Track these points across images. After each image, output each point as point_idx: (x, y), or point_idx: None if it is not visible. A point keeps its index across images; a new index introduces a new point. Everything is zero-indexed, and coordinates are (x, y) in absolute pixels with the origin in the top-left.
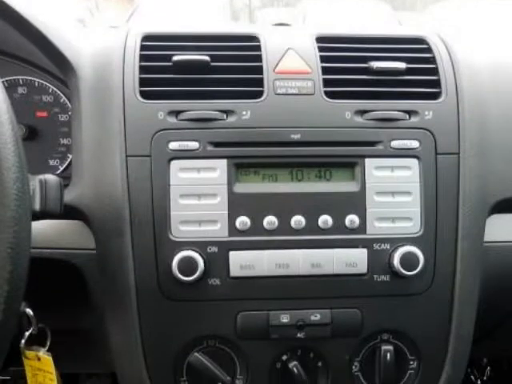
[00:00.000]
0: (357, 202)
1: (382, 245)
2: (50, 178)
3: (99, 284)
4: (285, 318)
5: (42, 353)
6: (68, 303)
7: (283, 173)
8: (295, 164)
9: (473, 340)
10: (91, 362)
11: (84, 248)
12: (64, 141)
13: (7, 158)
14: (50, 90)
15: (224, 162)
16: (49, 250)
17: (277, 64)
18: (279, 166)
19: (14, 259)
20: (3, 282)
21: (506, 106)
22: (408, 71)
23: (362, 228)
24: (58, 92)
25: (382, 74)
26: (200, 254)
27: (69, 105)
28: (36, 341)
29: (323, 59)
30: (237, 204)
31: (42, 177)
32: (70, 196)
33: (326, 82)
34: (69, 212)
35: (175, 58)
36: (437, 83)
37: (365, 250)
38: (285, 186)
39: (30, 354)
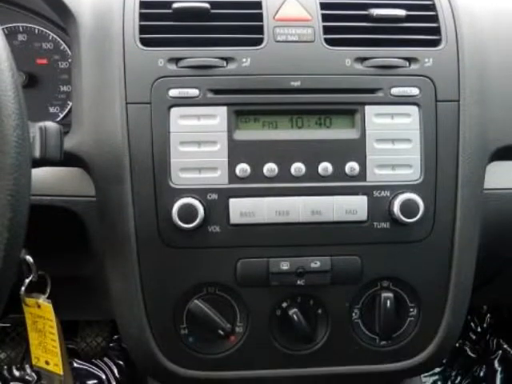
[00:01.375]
0: (357, 150)
1: (382, 192)
2: (50, 125)
3: (99, 231)
4: (285, 265)
5: (42, 300)
6: (68, 250)
7: (283, 120)
8: (295, 111)
9: (472, 287)
10: (91, 309)
11: (84, 195)
12: (64, 88)
13: (7, 105)
14: (50, 37)
15: (224, 109)
16: (49, 197)
17: (277, 11)
18: (279, 113)
19: (14, 206)
20: (3, 229)
21: (506, 53)
22: (408, 18)
23: (361, 175)
24: (58, 39)
25: (382, 21)
26: (200, 202)
27: (69, 52)
28: (36, 288)
29: (323, 6)
30: (237, 151)
31: (41, 124)
32: (69, 143)
33: (326, 30)
34: (69, 159)
35: (175, 5)
36: (437, 30)
37: (365, 197)
38: (285, 133)
39: (29, 301)
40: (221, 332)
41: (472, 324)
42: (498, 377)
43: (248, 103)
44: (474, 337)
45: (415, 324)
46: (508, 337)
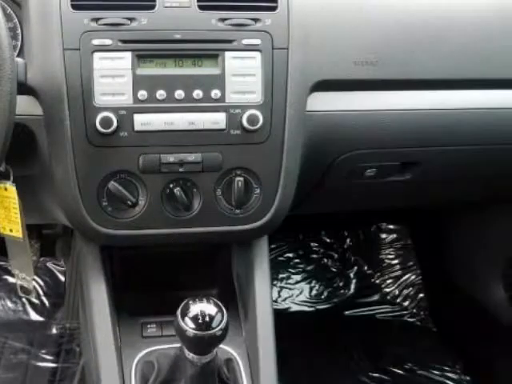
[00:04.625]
0: (219, 81)
1: (236, 110)
2: (21, 60)
3: (46, 140)
4: (171, 158)
5: (9, 184)
6: (22, 155)
7: (169, 61)
8: (177, 55)
9: (299, 202)
10: (35, 211)
11: (35, 114)
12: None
13: (4, 38)
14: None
15: (129, 53)
16: (16, 117)
17: None
18: (167, 56)
19: (9, 122)
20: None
21: (323, 17)
22: None
23: (222, 98)
24: (5, 5)
25: None
26: (114, 115)
27: (13, 15)
28: (1, 178)
29: None
30: (138, 82)
31: (19, 59)
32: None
33: None
34: (24, 90)
35: None
36: (274, 1)
37: (224, 114)
38: (171, 70)
39: (0, 186)
40: (129, 203)
41: (334, 245)
42: (353, 286)
43: (145, 49)
44: (335, 255)
45: (258, 199)
46: (363, 255)
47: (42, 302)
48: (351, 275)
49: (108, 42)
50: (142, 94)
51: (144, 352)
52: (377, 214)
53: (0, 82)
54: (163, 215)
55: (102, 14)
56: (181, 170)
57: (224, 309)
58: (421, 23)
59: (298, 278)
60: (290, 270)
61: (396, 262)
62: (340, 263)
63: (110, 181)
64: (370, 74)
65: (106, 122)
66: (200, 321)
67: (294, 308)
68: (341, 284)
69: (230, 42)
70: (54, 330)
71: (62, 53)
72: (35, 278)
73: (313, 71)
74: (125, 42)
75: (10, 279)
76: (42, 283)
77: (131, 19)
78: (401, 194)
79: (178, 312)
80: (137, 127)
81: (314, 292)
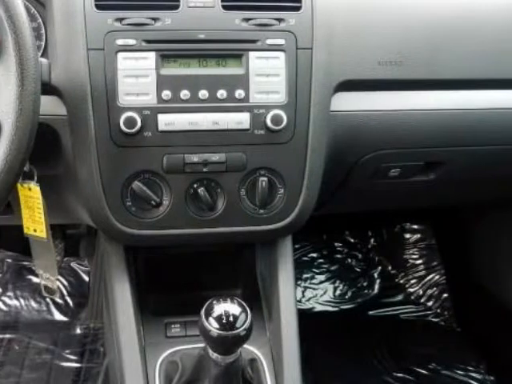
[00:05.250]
0: (243, 81)
1: (260, 110)
2: (45, 60)
3: (70, 140)
4: (195, 158)
5: (33, 184)
6: (49, 156)
7: (194, 61)
8: (202, 55)
9: (321, 202)
10: (59, 212)
11: (59, 115)
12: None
13: (29, 38)
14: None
15: (153, 53)
16: (40, 117)
17: None
18: (191, 56)
19: (33, 122)
20: (26, 139)
21: (347, 17)
22: None
23: (246, 99)
24: (29, 5)
25: None
26: (138, 115)
27: (37, 15)
28: (25, 178)
29: None
30: (162, 82)
31: (43, 59)
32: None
33: None
34: (48, 90)
35: None
36: (298, 1)
37: (248, 114)
38: (195, 70)
39: (23, 186)
40: (153, 203)
41: (358, 245)
42: (376, 286)
43: (169, 49)
44: (359, 255)
45: (282, 199)
46: (387, 255)
47: (66, 302)
48: (375, 275)
49: (132, 42)
50: (166, 93)
51: (168, 352)
52: (401, 213)
53: (24, 82)
54: (187, 215)
55: (125, 13)
56: (205, 169)
57: (248, 309)
58: (445, 23)
59: (322, 277)
60: (314, 269)
61: (420, 261)
62: (364, 263)
63: (134, 181)
64: (394, 74)
65: (130, 122)
66: (224, 321)
67: (318, 308)
68: (365, 284)
69: (253, 41)
70: (78, 330)
71: (85, 53)
72: (59, 278)
73: (337, 71)
74: (149, 41)
75: (34, 279)
76: (66, 283)
77: (155, 19)
78: (425, 193)
79: (202, 312)
80: (161, 127)
81: (337, 292)
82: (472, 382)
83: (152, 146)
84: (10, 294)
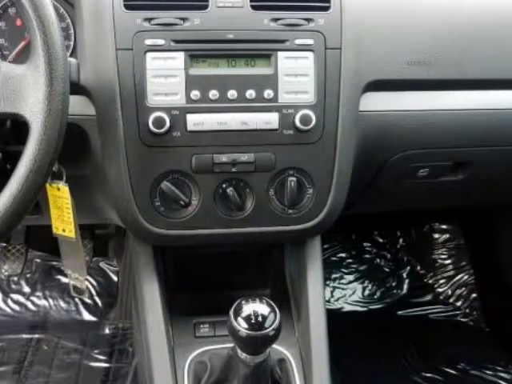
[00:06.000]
0: (272, 81)
1: (288, 110)
2: (74, 60)
3: (98, 140)
4: (224, 158)
5: (62, 184)
6: (77, 156)
7: (222, 61)
8: (230, 55)
9: (351, 202)
10: (88, 212)
11: (88, 115)
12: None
13: (59, 39)
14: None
15: (182, 53)
16: (69, 117)
17: None
18: (220, 56)
19: (62, 122)
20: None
21: (377, 19)
22: None
23: (275, 98)
24: (57, 4)
25: None
26: (167, 115)
27: (66, 15)
28: (54, 178)
29: None
30: (190, 82)
31: (72, 59)
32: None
33: None
34: (76, 90)
35: None
36: (327, 1)
37: (277, 114)
38: (224, 70)
39: (52, 186)
40: (182, 203)
41: (387, 245)
42: (405, 286)
43: (198, 49)
44: (388, 255)
45: (311, 199)
46: (416, 255)
47: (94, 302)
48: (404, 275)
49: (161, 42)
50: (195, 93)
51: (197, 352)
52: (429, 213)
53: (53, 82)
54: (216, 215)
55: (154, 13)
56: (233, 169)
57: (277, 309)
58: (473, 23)
59: (350, 277)
60: (343, 269)
61: (449, 261)
62: (393, 263)
63: (162, 181)
64: (422, 74)
65: (159, 122)
66: (253, 321)
67: (347, 308)
68: (393, 284)
69: (282, 41)
70: (107, 330)
71: (114, 53)
72: (88, 278)
73: (365, 71)
74: (177, 41)
75: (63, 279)
76: (94, 283)
77: (184, 19)
78: (453, 193)
79: (231, 312)
80: (189, 127)
81: (366, 292)
82: (501, 381)
83: (181, 146)
84: (38, 294)
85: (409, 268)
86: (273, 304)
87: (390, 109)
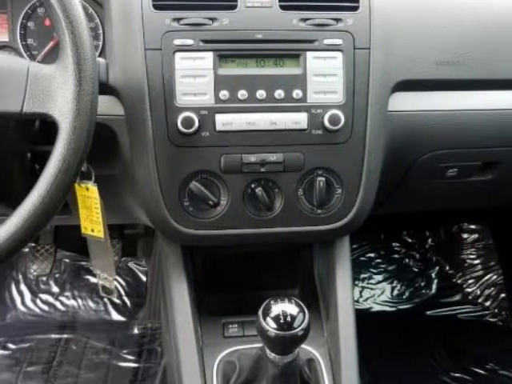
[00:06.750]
0: (300, 81)
1: (317, 110)
2: (102, 60)
3: (127, 140)
4: (252, 158)
5: (90, 184)
6: (106, 156)
7: (251, 61)
8: (259, 55)
9: (379, 202)
10: (116, 212)
11: (116, 114)
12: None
13: (88, 39)
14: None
15: (211, 53)
16: (98, 117)
17: None
18: (248, 56)
19: (91, 122)
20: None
21: (405, 19)
22: None
23: (303, 98)
24: (86, 4)
25: None
26: (196, 115)
27: (95, 15)
28: (83, 178)
29: None
30: (219, 82)
31: (101, 59)
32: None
33: None
34: (105, 90)
35: None
36: (356, 1)
37: (305, 114)
38: (252, 70)
39: (81, 186)
40: (211, 203)
41: (416, 245)
42: (434, 286)
43: (227, 49)
44: (417, 255)
45: (340, 199)
46: (444, 255)
47: (123, 302)
48: (433, 275)
49: (190, 42)
50: (224, 93)
51: (226, 352)
52: (458, 213)
53: (81, 82)
54: (244, 215)
55: (183, 14)
56: (262, 170)
57: (305, 309)
58: (502, 23)
59: (379, 277)
60: (372, 269)
61: (477, 261)
62: (421, 263)
63: (191, 181)
64: (451, 74)
65: (188, 122)
66: (282, 321)
67: (376, 308)
68: (422, 284)
69: (311, 41)
70: (136, 330)
71: (143, 53)
72: (117, 278)
73: (394, 71)
74: (206, 42)
75: (92, 279)
76: (123, 283)
77: (213, 19)
78: (482, 193)
79: (260, 312)
80: (218, 127)
81: (395, 292)
82: None
83: (209, 146)
84: (67, 294)
85: (437, 268)
86: (302, 304)
87: (419, 109)
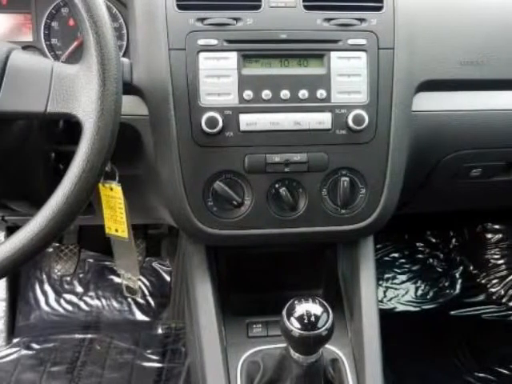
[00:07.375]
0: (324, 81)
1: (341, 110)
2: (126, 60)
3: (151, 140)
4: (276, 158)
5: (114, 184)
6: (130, 156)
7: (275, 61)
8: (283, 55)
9: (403, 202)
10: (139, 212)
11: (140, 114)
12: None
13: (112, 40)
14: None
15: (235, 53)
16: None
17: None
18: (272, 56)
19: (115, 122)
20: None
21: (428, 17)
22: None
23: (327, 98)
24: (110, 4)
25: None
26: (220, 115)
27: (119, 15)
28: (107, 178)
29: None
30: (243, 82)
31: (125, 59)
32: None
33: None
34: (129, 90)
35: None
36: (380, 1)
37: (329, 114)
38: (276, 70)
39: (105, 186)
40: (235, 203)
41: (440, 245)
42: (458, 286)
43: (251, 49)
44: (441, 255)
45: (364, 199)
46: (468, 255)
47: (147, 302)
48: (457, 275)
49: (214, 42)
50: (248, 93)
51: (250, 352)
52: (482, 213)
53: (105, 82)
54: (268, 215)
55: (207, 14)
56: (286, 170)
57: (329, 309)
58: None
59: (403, 277)
60: (396, 269)
61: (502, 261)
62: (445, 263)
63: (215, 181)
64: (475, 74)
65: (212, 122)
66: (306, 321)
67: (400, 308)
68: (446, 284)
69: (335, 41)
70: (160, 330)
71: (167, 53)
72: (141, 278)
73: (418, 71)
74: (230, 42)
75: (116, 279)
76: (147, 283)
77: (237, 19)
78: (506, 193)
79: (284, 312)
80: (242, 127)
81: (419, 292)
82: None
83: (233, 146)
84: (91, 293)
85: (461, 268)
86: (325, 304)
87: (443, 109)
